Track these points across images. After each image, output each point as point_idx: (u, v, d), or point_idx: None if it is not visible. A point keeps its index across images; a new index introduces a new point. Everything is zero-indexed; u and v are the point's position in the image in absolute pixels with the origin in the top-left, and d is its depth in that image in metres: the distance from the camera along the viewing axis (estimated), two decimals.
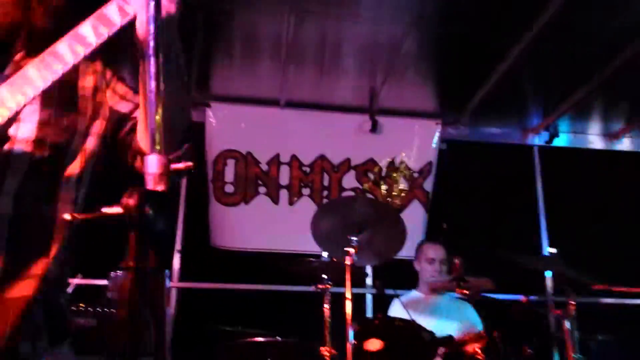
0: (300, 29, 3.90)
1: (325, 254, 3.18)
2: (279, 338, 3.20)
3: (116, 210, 0.79)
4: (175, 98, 1.12)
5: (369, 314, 4.71)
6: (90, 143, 1.29)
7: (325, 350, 2.92)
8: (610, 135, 5.41)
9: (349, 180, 4.95)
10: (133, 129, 1.30)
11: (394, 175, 4.94)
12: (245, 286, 4.67)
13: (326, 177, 4.93)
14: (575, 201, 5.15)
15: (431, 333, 2.95)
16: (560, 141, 5.30)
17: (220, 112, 4.86)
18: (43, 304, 1.16)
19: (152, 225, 0.79)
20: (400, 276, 3.95)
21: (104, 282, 3.39)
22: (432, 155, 5.05)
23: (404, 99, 4.89)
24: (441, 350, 2.91)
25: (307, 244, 3.42)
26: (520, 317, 3.18)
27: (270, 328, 3.44)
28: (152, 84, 0.84)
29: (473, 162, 5.24)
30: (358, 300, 4.45)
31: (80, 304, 2.97)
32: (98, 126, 1.30)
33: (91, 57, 1.14)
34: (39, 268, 1.16)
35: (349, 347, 2.76)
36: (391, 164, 4.98)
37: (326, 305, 3.07)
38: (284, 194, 4.85)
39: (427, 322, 3.16)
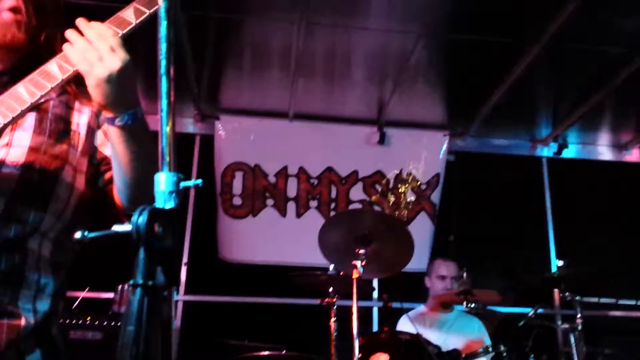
0: (309, 40, 3.92)
1: (332, 267, 3.18)
2: (285, 351, 3.19)
3: (126, 228, 0.79)
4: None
5: (375, 327, 4.68)
6: (81, 182, 1.29)
7: None
8: (619, 146, 5.39)
9: (357, 193, 4.94)
10: (111, 180, 1.30)
11: (402, 187, 4.93)
12: (251, 299, 4.66)
13: (333, 189, 4.93)
14: (584, 213, 5.12)
15: (437, 347, 2.93)
16: (569, 152, 5.28)
17: (229, 124, 4.88)
18: (31, 340, 1.14)
19: (161, 243, 0.79)
20: (407, 289, 3.93)
21: (110, 295, 3.39)
22: (439, 166, 5.04)
23: (412, 110, 4.89)
24: None
25: (314, 257, 3.41)
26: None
27: (277, 341, 3.43)
28: (164, 103, 0.85)
29: (481, 173, 5.23)
30: (364, 314, 4.43)
31: (87, 317, 2.97)
32: (85, 165, 1.30)
33: (89, 96, 1.15)
34: (24, 300, 1.15)
35: None
36: (399, 175, 4.97)
37: (332, 319, 3.06)
38: (291, 206, 4.85)
39: (434, 337, 3.14)
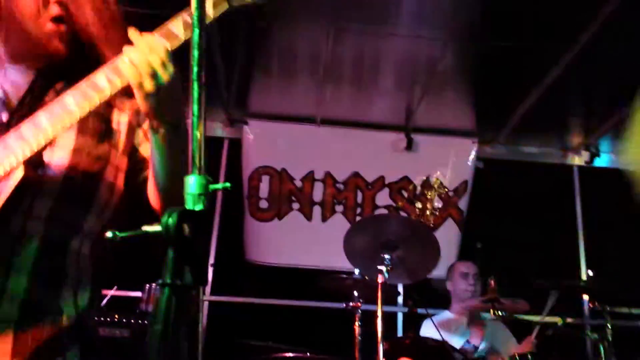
0: (337, 46, 3.94)
1: (357, 272, 3.18)
2: (309, 354, 3.20)
3: (156, 228, 0.81)
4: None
5: (400, 333, 4.66)
6: (121, 180, 1.32)
7: None
8: None
9: (383, 198, 4.93)
10: (147, 179, 1.32)
11: (429, 193, 4.91)
12: (276, 301, 4.69)
13: (359, 195, 4.94)
14: (615, 223, 5.01)
15: (463, 354, 2.90)
16: (602, 161, 5.17)
17: (258, 129, 4.93)
18: (72, 334, 1.17)
19: (190, 244, 0.81)
20: (432, 295, 3.91)
21: (138, 293, 3.45)
22: (467, 173, 5.00)
23: (440, 116, 4.87)
24: None
25: (339, 261, 3.42)
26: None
27: (301, 344, 3.44)
28: (195, 108, 0.87)
29: (510, 181, 5.15)
30: (389, 319, 4.41)
31: (115, 315, 3.03)
32: (125, 163, 1.33)
33: (130, 95, 1.16)
34: (66, 297, 1.18)
35: None
36: (426, 182, 4.95)
37: (357, 323, 3.06)
38: (317, 211, 4.87)
39: (459, 343, 3.11)
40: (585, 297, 4.59)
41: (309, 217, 4.86)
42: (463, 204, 4.95)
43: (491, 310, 3.19)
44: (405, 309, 4.66)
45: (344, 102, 4.74)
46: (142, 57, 1.10)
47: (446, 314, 3.80)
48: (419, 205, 4.89)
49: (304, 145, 4.95)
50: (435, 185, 4.93)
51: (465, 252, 4.75)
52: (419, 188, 4.94)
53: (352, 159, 4.97)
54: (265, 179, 4.88)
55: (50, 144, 1.16)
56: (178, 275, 0.81)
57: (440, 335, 3.17)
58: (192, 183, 0.85)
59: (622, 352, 3.02)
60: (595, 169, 5.17)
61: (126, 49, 1.12)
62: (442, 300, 3.89)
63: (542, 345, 3.09)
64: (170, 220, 0.80)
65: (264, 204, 4.85)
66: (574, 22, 3.58)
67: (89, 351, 1.20)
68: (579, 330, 4.43)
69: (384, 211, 4.87)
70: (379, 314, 2.82)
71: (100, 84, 1.13)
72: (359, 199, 4.93)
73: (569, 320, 3.21)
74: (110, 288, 3.58)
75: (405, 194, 4.94)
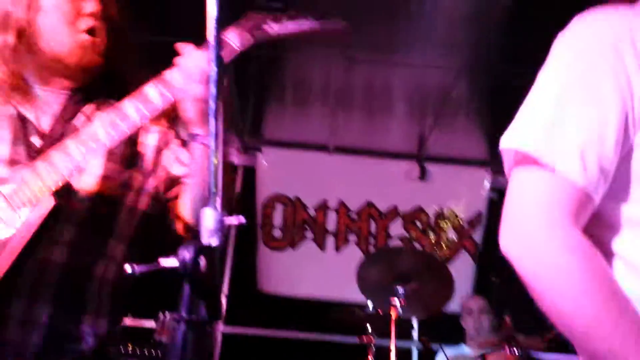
0: (349, 75, 3.97)
1: (370, 304, 3.13)
2: None
3: (172, 262, 0.81)
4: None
5: None
6: (143, 201, 1.32)
7: None
8: None
9: (396, 228, 4.90)
10: (176, 197, 1.32)
11: (443, 224, 4.86)
12: (288, 333, 4.63)
13: (373, 225, 4.91)
14: None
15: None
16: None
17: (271, 156, 4.95)
18: (93, 359, 1.18)
19: (206, 279, 0.81)
20: (447, 330, 3.83)
21: (152, 323, 3.43)
22: (482, 204, 4.95)
23: (453, 145, 4.86)
24: None
25: (352, 293, 3.38)
26: None
27: None
28: (212, 141, 0.88)
29: None
30: (403, 355, 4.32)
31: (129, 345, 3.00)
32: (152, 184, 1.34)
33: (157, 116, 1.19)
34: (89, 322, 1.19)
35: None
36: (440, 213, 4.91)
37: (370, 358, 3.00)
38: (330, 240, 4.84)
39: None
40: None
41: (322, 246, 4.83)
42: (478, 236, 4.89)
43: (507, 348, 3.12)
44: (420, 345, 4.56)
45: (356, 130, 4.75)
46: (194, 62, 1.13)
47: (461, 348, 3.73)
48: (433, 236, 4.85)
49: (317, 173, 4.95)
50: (450, 216, 4.88)
51: (481, 286, 4.67)
52: (432, 219, 4.90)
53: (365, 188, 4.96)
54: (279, 207, 4.88)
55: (77, 171, 1.18)
56: (194, 310, 0.81)
57: None
58: (209, 217, 0.85)
59: None
60: None
61: (177, 59, 1.15)
62: (457, 335, 3.81)
63: None
64: (187, 255, 0.80)
65: (277, 233, 4.84)
66: None
67: None
68: None
69: (398, 242, 4.83)
70: (393, 348, 2.77)
71: (130, 114, 1.15)
72: (373, 229, 4.89)
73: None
74: (126, 316, 3.55)
75: (420, 225, 4.90)
